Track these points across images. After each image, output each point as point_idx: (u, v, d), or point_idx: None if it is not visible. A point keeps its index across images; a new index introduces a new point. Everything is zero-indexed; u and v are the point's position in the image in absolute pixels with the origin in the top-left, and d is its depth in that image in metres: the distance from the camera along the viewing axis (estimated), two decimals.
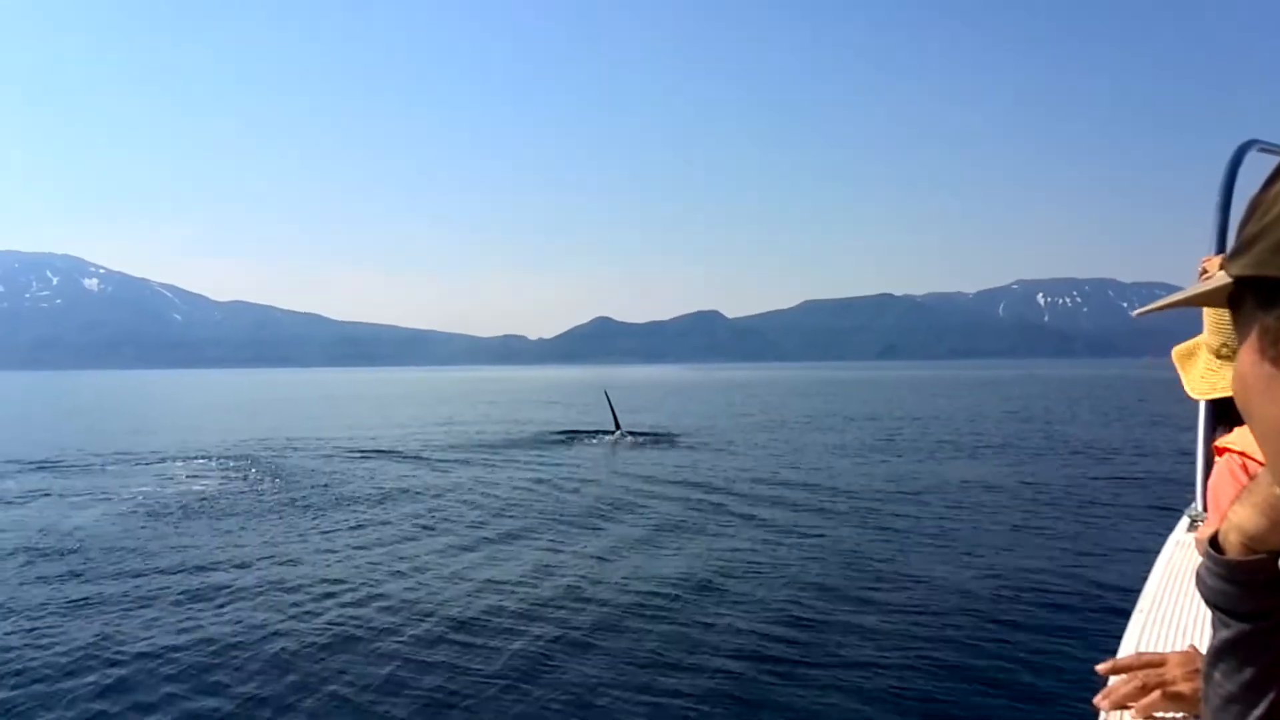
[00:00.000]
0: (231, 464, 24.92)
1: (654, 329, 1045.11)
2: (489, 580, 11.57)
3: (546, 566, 12.18)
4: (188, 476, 21.35)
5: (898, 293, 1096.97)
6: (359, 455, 26.07)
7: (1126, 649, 1.73)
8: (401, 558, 12.77)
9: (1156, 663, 1.62)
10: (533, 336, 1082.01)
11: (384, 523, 15.25)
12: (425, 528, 14.99)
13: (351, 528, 14.75)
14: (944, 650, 8.88)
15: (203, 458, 25.49)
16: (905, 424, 38.91)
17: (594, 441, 30.38)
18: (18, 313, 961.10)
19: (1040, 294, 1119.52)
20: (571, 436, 31.98)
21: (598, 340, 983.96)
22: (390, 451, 27.86)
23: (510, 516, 15.69)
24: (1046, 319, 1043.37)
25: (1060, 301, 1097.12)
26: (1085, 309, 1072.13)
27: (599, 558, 12.69)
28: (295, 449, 28.23)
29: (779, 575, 12.16)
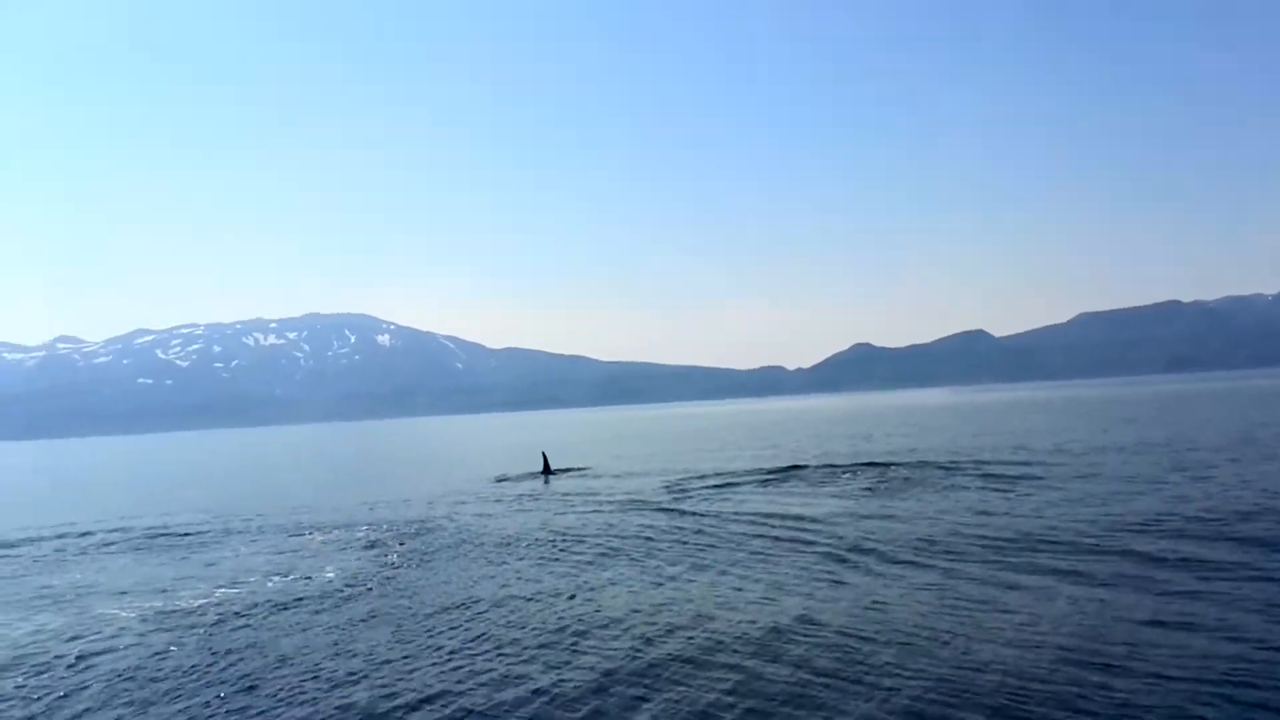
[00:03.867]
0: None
1: (916, 352, 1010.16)
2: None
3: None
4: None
5: (1185, 299, 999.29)
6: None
7: None
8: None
9: None
10: (791, 367, 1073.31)
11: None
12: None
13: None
14: None
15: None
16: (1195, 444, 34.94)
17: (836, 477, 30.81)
18: (323, 370, 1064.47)
19: None
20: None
21: (858, 367, 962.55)
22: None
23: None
24: None
25: None
26: None
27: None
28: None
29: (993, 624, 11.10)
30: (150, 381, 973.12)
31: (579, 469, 41.65)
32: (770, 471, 34.01)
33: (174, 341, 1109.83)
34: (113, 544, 25.20)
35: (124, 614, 15.81)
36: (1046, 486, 25.39)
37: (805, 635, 11.90)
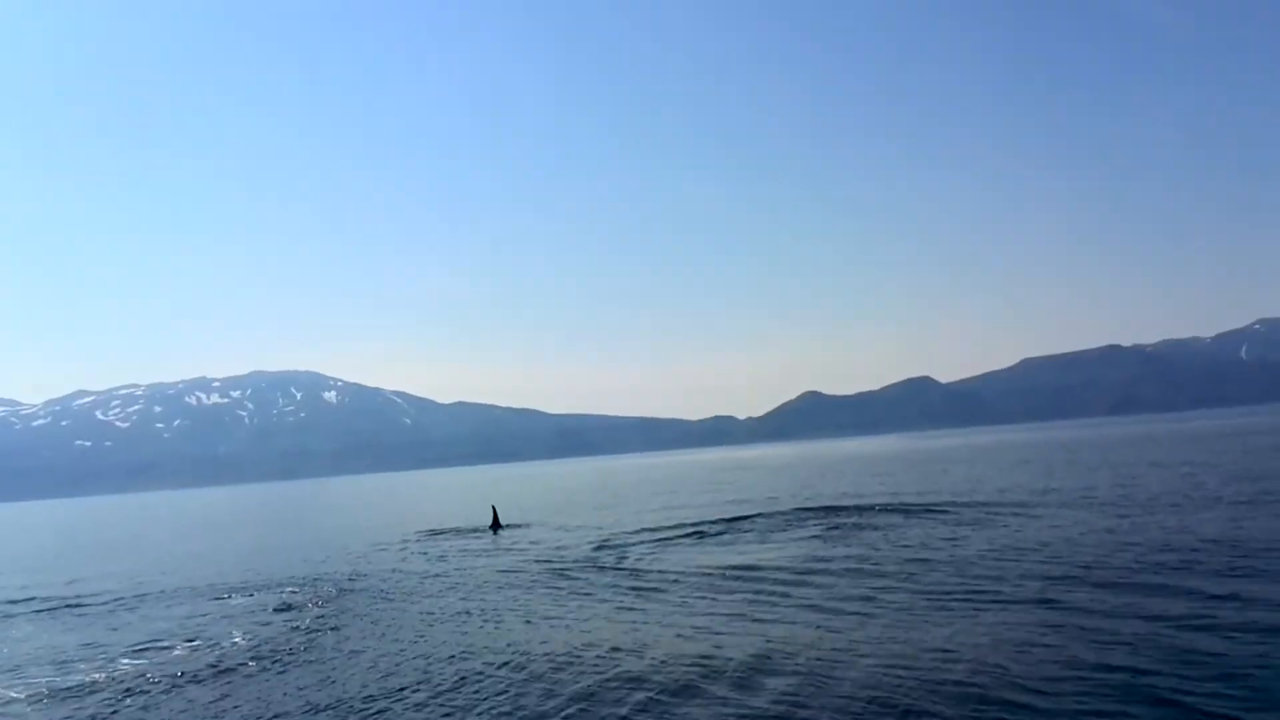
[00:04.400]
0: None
1: (864, 400, 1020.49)
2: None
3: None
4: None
5: (1126, 343, 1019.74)
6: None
7: None
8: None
9: None
10: (741, 416, 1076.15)
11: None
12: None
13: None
14: None
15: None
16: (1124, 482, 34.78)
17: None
18: (268, 428, 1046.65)
19: None
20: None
21: (807, 415, 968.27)
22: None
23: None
24: None
25: None
26: None
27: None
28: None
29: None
30: (89, 444, 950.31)
31: (527, 524, 40.51)
32: (717, 521, 33.35)
33: (114, 402, 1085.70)
34: (15, 615, 23.75)
35: (11, 693, 14.63)
36: (991, 528, 25.07)
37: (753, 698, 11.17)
